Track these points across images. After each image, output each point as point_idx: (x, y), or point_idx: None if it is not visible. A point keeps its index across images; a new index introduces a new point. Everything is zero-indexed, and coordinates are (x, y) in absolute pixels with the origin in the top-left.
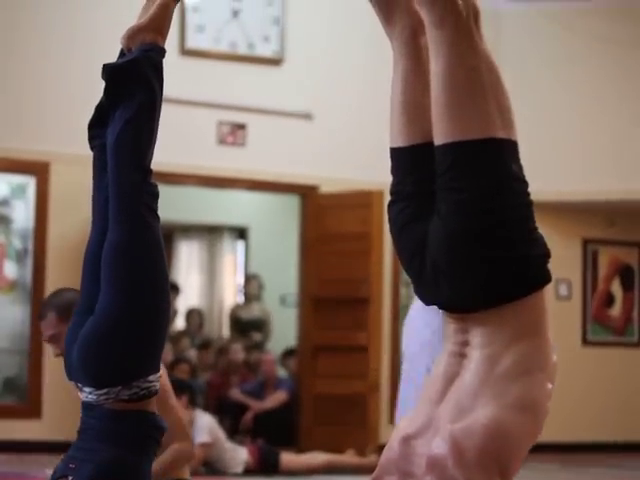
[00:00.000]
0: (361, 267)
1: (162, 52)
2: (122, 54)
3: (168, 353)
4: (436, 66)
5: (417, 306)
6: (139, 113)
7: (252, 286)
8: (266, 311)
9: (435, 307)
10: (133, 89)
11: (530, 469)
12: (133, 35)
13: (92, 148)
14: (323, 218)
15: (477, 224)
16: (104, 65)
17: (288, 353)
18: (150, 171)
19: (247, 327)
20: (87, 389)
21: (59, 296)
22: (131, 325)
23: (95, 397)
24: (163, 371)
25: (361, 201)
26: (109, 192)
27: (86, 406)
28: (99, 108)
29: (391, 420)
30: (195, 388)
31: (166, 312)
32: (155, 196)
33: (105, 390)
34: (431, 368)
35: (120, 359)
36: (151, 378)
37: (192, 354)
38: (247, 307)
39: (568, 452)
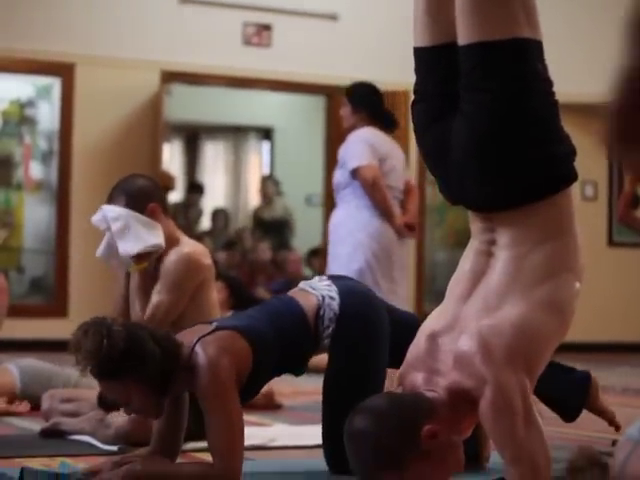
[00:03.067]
0: None
1: None
2: None
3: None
4: None
5: (343, 213)
6: None
7: (267, 186)
8: (288, 210)
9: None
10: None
11: None
12: None
13: None
14: None
15: (503, 124)
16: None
17: (314, 253)
18: None
19: (270, 227)
20: None
21: (130, 182)
22: None
23: None
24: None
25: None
26: None
27: None
28: None
29: None
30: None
31: None
32: None
33: None
34: (364, 268)
35: None
36: None
37: (218, 254)
38: (269, 207)
39: (593, 352)
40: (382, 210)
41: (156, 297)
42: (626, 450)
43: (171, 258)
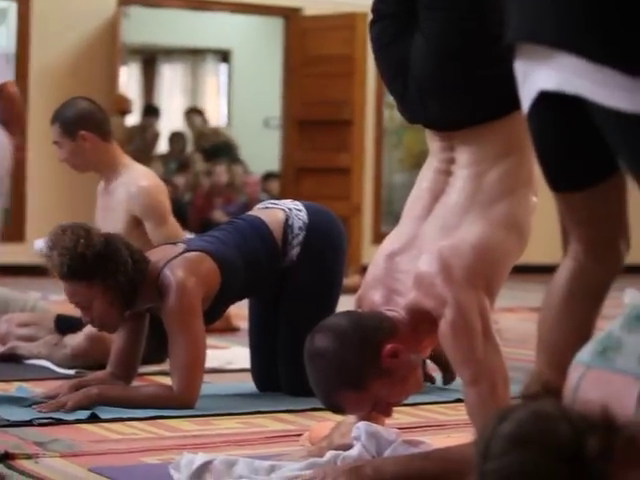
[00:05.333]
0: (344, 89)
1: None
2: None
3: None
4: None
5: None
6: None
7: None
8: (230, 136)
9: None
10: None
11: (513, 289)
12: None
13: None
14: (306, 40)
15: (462, 42)
16: None
17: (269, 176)
18: None
19: (212, 152)
20: None
21: (66, 108)
22: None
23: None
24: (164, 188)
25: (345, 23)
26: None
27: None
28: None
29: (374, 241)
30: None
31: None
32: None
33: None
34: None
35: None
36: None
37: (177, 179)
38: (214, 132)
39: (550, 273)
40: None
41: (157, 234)
42: (577, 375)
43: (134, 190)
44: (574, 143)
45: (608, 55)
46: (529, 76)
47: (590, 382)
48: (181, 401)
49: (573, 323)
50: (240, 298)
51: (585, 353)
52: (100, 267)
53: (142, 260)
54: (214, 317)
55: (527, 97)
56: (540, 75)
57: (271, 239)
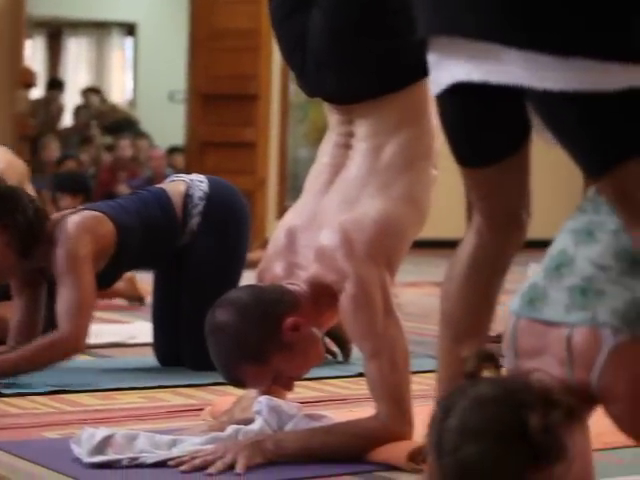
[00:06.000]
0: (250, 64)
1: None
2: None
3: (55, 150)
4: None
5: None
6: None
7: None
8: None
9: None
10: None
11: (417, 264)
12: None
13: None
14: (213, 14)
15: (360, 14)
16: None
17: (174, 150)
18: None
19: (113, 129)
20: None
21: None
22: None
23: None
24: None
25: None
26: None
27: None
28: None
29: (278, 215)
30: (89, 185)
31: None
32: None
33: None
34: None
35: None
36: None
37: (81, 155)
38: (112, 109)
39: (449, 247)
40: None
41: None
42: (511, 324)
43: None
44: (483, 124)
45: (536, 41)
46: (442, 65)
47: (523, 332)
48: (67, 346)
49: (476, 296)
50: (138, 265)
51: (515, 302)
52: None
53: (42, 210)
54: (109, 280)
55: (438, 84)
56: (456, 66)
57: (171, 209)
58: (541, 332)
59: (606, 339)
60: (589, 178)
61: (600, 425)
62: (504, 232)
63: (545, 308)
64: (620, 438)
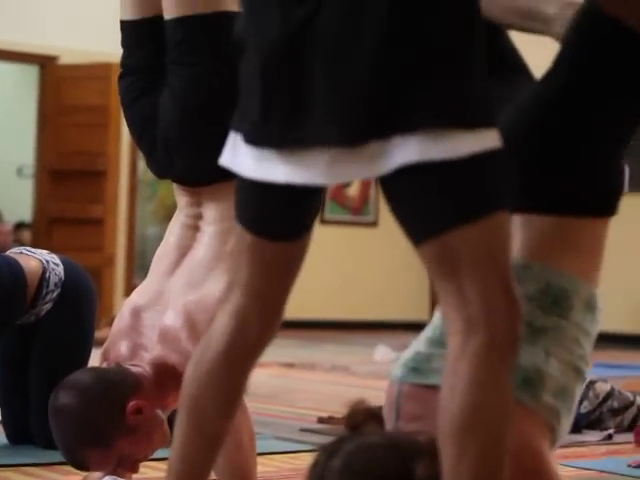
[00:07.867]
0: (99, 140)
1: None
2: None
3: None
4: None
5: None
6: None
7: None
8: None
9: None
10: None
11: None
12: None
13: None
14: (62, 89)
15: (207, 99)
16: None
17: (21, 225)
18: None
19: None
20: None
21: None
22: None
23: None
24: None
25: (100, 73)
26: None
27: None
28: None
29: (126, 293)
30: None
31: None
32: None
33: None
34: None
35: None
36: None
37: None
38: None
39: (304, 329)
40: None
41: None
42: (393, 392)
43: None
44: (275, 211)
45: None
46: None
47: (408, 397)
48: None
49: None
50: None
51: (397, 370)
52: None
53: None
54: None
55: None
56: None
57: (23, 283)
58: (425, 397)
59: None
60: (413, 244)
61: None
62: (266, 319)
63: (430, 374)
64: None
